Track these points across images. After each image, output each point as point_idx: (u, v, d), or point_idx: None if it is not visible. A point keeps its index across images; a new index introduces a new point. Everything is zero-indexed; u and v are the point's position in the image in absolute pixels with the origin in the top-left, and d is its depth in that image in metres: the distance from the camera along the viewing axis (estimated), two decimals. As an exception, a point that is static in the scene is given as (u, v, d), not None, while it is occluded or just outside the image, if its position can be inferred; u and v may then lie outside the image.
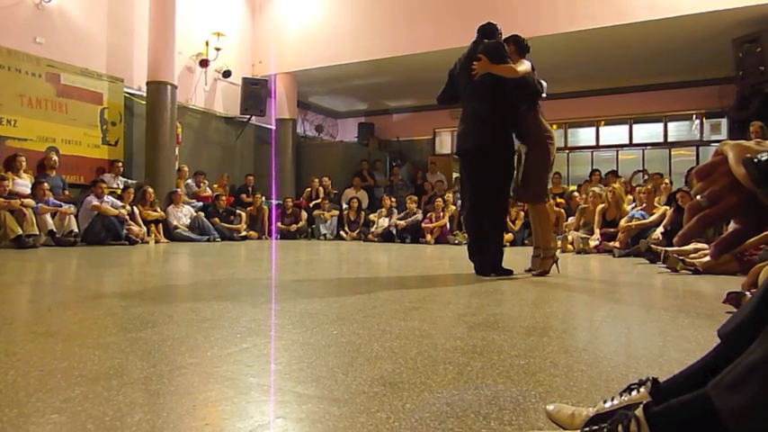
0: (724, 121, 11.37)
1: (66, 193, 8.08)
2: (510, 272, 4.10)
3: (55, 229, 7.20)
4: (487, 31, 4.32)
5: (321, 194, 11.66)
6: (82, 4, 8.89)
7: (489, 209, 4.18)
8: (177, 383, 1.31)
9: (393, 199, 11.20)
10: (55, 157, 8.14)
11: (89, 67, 8.95)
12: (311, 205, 11.51)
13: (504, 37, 4.37)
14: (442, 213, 10.27)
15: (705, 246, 4.61)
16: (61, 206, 7.41)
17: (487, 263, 4.11)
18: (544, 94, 4.29)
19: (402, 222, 10.40)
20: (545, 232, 4.27)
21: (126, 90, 9.58)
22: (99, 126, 9.12)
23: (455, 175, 14.55)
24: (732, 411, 0.67)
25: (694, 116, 11.97)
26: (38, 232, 6.86)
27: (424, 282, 3.86)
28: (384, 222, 10.58)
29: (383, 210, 10.89)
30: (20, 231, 6.57)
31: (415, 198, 11.09)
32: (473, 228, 4.27)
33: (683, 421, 0.74)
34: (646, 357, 1.69)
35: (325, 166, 12.50)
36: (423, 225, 10.23)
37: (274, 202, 11.30)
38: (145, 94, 9.53)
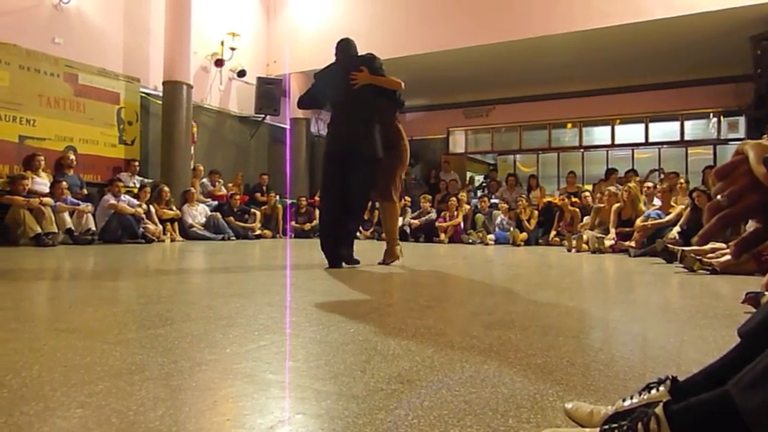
0: (742, 120, 11.24)
1: (84, 191, 8.18)
2: (358, 261, 4.59)
3: (73, 228, 7.29)
4: (352, 46, 4.75)
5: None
6: (99, 5, 8.99)
7: (363, 207, 4.84)
8: (198, 379, 1.33)
9: (407, 198, 11.21)
10: (72, 157, 8.25)
11: (106, 67, 9.06)
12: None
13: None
14: (455, 212, 10.27)
15: (722, 245, 4.57)
16: (79, 205, 7.51)
17: (349, 255, 4.53)
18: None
19: (416, 221, 10.42)
20: (392, 227, 4.91)
21: (142, 90, 9.68)
22: (116, 125, 9.23)
23: (469, 174, 14.54)
24: (753, 410, 0.67)
25: (711, 114, 11.85)
26: (56, 230, 6.95)
27: (438, 280, 3.86)
28: (398, 221, 10.58)
29: (397, 209, 10.88)
30: (39, 230, 6.67)
31: (429, 197, 11.11)
32: (338, 226, 4.54)
33: (704, 419, 0.74)
34: (663, 357, 1.69)
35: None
36: (437, 224, 10.24)
37: (288, 200, 11.35)
38: (161, 94, 9.62)
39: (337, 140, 4.53)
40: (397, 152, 4.75)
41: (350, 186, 4.46)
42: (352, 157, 4.42)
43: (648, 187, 8.13)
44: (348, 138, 4.45)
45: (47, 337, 1.76)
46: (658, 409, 0.79)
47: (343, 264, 4.47)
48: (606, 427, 0.88)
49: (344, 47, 4.74)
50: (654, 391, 0.95)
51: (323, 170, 4.65)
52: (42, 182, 7.49)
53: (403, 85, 4.53)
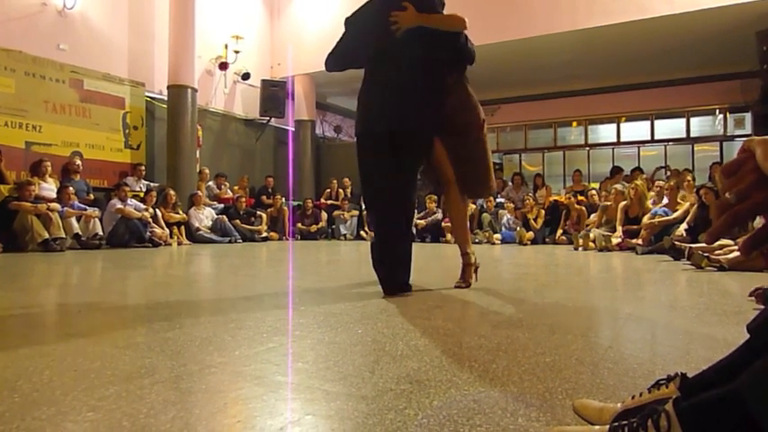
0: (748, 116, 11.19)
1: (91, 196, 8.22)
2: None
3: (80, 233, 7.32)
4: None
5: (341, 195, 11.71)
6: (104, 11, 9.03)
7: (411, 205, 3.34)
8: (207, 382, 1.34)
9: (412, 198, 11.17)
10: (79, 162, 8.30)
11: (111, 72, 9.10)
12: (329, 203, 11.61)
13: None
14: (461, 212, 10.24)
15: (730, 242, 4.55)
16: (86, 210, 7.54)
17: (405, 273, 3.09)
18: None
19: (422, 222, 10.40)
20: (465, 236, 3.49)
21: (147, 94, 9.72)
22: (121, 130, 9.27)
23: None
24: (763, 406, 0.67)
25: (717, 111, 11.80)
26: (64, 235, 6.98)
27: (445, 280, 3.85)
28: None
29: (403, 209, 10.86)
30: (46, 235, 6.70)
31: (435, 197, 11.07)
32: (391, 229, 3.10)
33: (714, 416, 0.74)
34: (672, 355, 1.68)
35: (344, 166, 12.51)
36: (443, 224, 10.22)
37: (292, 203, 11.36)
38: (166, 98, 9.66)
39: (374, 117, 3.09)
40: (476, 129, 3.27)
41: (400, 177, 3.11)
42: (393, 139, 3.03)
43: (650, 186, 8.09)
44: (383, 112, 3.05)
45: (57, 342, 1.77)
46: (668, 406, 0.79)
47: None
48: (616, 424, 0.88)
49: None
50: (663, 388, 0.95)
51: (359, 158, 3.17)
52: (49, 187, 7.53)
53: (467, 22, 3.06)
